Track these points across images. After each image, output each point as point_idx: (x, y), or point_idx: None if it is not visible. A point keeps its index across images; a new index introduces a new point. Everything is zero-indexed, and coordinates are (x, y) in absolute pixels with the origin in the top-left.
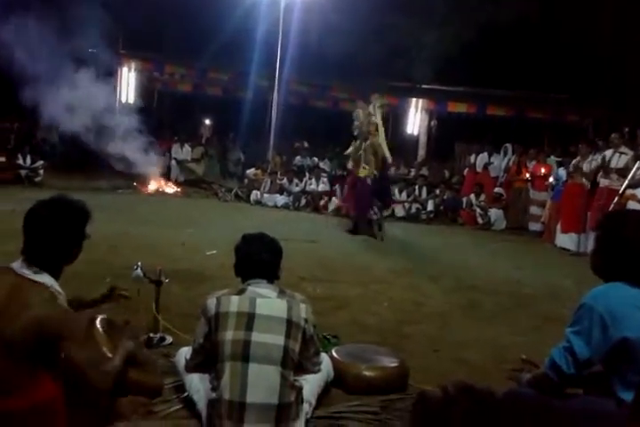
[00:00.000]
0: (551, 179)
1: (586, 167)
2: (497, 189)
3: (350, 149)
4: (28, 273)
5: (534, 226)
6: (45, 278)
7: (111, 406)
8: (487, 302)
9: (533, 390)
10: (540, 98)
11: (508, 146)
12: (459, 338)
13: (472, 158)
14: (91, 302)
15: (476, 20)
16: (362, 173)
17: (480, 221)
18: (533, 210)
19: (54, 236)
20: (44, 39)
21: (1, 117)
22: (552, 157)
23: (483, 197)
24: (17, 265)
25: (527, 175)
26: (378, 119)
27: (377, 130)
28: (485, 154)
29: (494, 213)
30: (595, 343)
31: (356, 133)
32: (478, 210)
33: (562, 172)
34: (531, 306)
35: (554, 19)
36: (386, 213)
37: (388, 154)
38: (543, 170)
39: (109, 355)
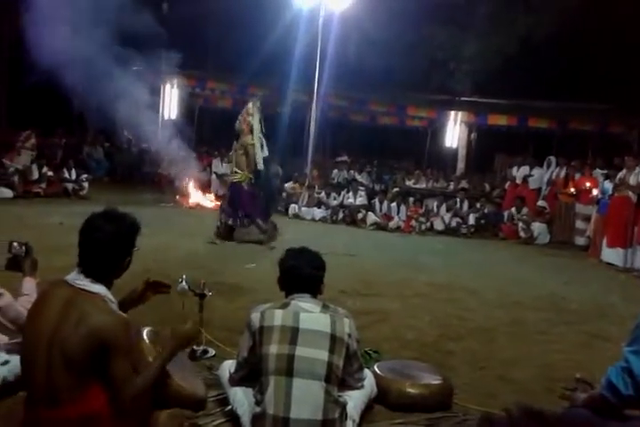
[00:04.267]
0: (596, 192)
1: (632, 180)
2: (540, 203)
3: (232, 152)
4: (83, 284)
5: (580, 240)
6: (100, 288)
7: (147, 418)
8: (532, 318)
9: (589, 411)
10: (583, 109)
11: (552, 158)
12: (504, 355)
13: (513, 171)
14: (134, 299)
15: (515, 32)
16: (235, 178)
17: (522, 235)
18: (579, 224)
19: (110, 246)
20: (89, 58)
21: (49, 133)
22: (597, 170)
23: (525, 210)
24: (71, 277)
25: (572, 189)
26: (255, 120)
27: (251, 131)
28: (527, 167)
29: (537, 226)
30: None
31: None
32: (520, 224)
33: (608, 185)
34: (577, 323)
35: (596, 28)
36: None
37: (260, 160)
38: (588, 184)
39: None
